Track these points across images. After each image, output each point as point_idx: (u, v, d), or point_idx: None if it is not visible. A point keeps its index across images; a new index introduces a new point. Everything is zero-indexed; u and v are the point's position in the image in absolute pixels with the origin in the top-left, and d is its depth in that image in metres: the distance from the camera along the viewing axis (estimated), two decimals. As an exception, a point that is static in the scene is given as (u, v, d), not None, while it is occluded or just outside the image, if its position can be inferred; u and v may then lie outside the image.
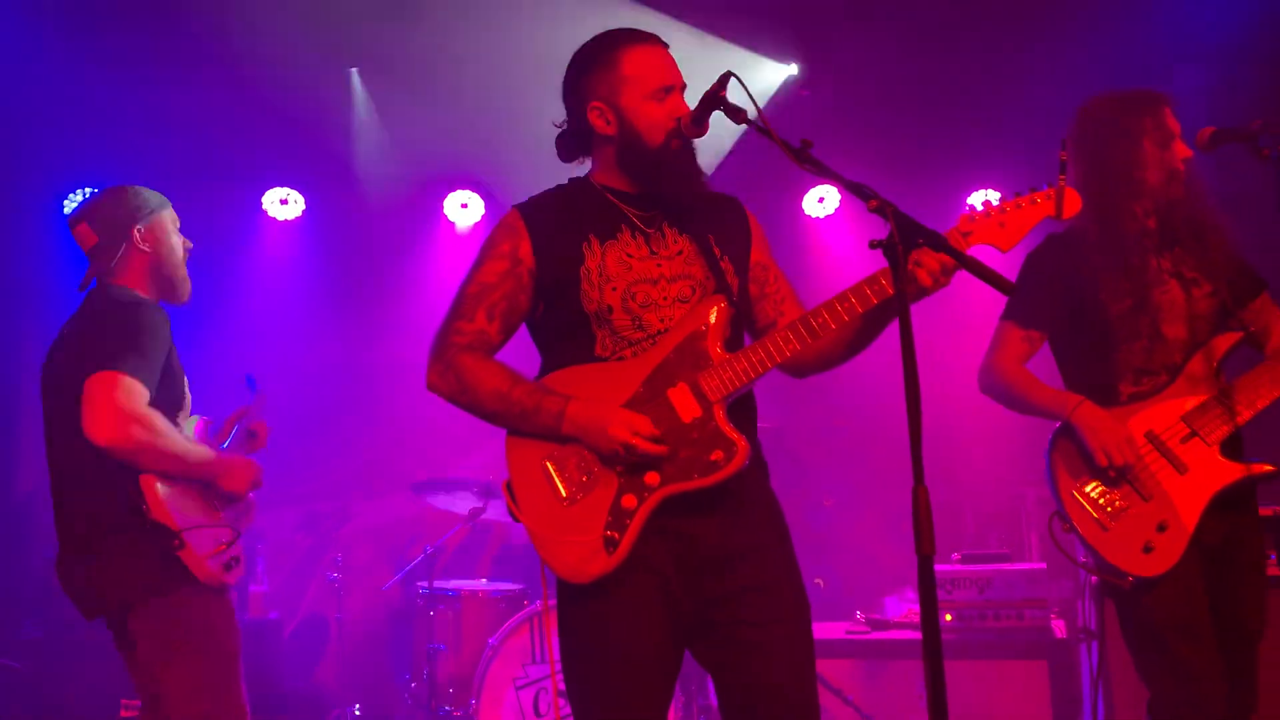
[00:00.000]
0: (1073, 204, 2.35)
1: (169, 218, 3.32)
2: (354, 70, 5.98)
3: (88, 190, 6.03)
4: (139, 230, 3.24)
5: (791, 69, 6.08)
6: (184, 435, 3.10)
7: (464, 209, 6.47)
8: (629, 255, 2.43)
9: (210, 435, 3.39)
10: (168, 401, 3.08)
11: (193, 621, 3.03)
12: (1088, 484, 2.87)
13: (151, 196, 3.32)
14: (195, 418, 3.36)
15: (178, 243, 3.33)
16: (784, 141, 2.12)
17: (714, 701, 4.64)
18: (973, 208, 2.38)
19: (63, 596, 4.04)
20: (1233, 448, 2.86)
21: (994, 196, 6.60)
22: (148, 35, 5.46)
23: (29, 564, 5.32)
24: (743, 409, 2.44)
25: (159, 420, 2.96)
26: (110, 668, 4.45)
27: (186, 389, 3.26)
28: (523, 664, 4.54)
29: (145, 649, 3.03)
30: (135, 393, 2.91)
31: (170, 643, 3.01)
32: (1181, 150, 2.93)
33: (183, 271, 3.34)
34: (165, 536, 2.94)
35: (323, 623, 5.88)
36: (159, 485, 2.95)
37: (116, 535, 2.98)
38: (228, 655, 3.08)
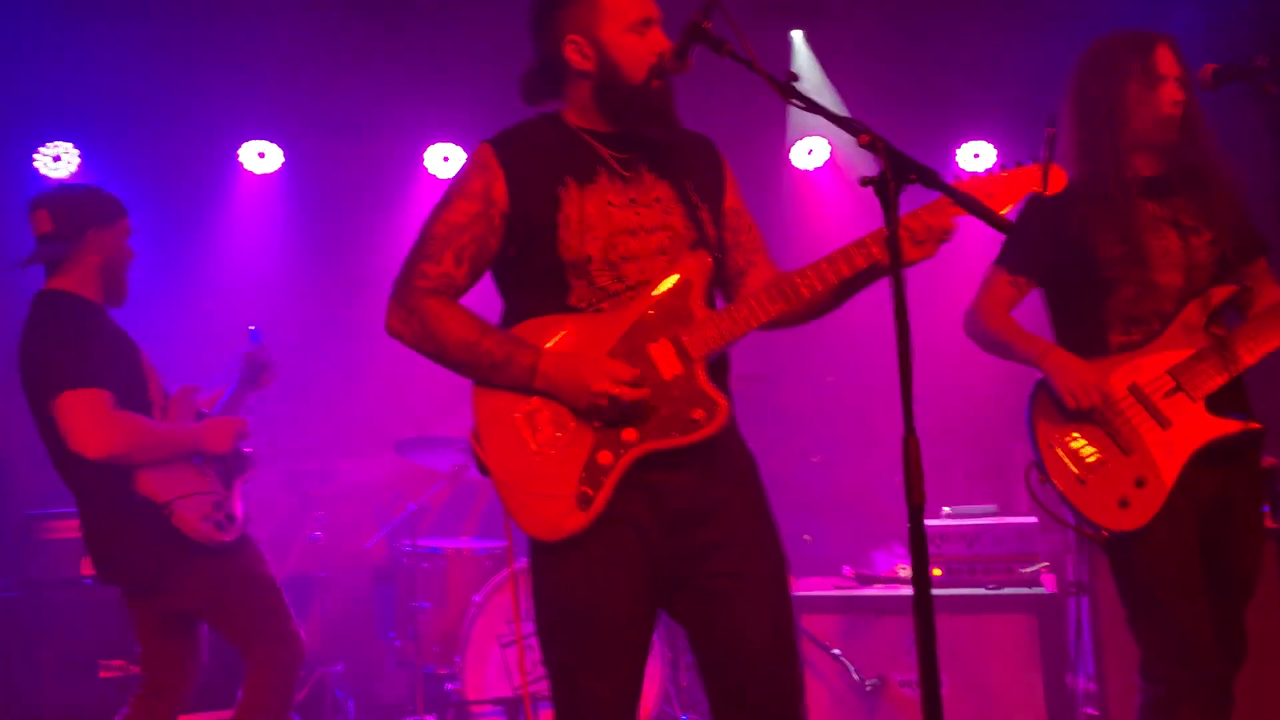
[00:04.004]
0: (1058, 181, 2.33)
1: (123, 227, 3.42)
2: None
3: (61, 145, 5.89)
4: (93, 232, 3.32)
5: None
6: (157, 421, 3.31)
7: (445, 162, 6.35)
8: (609, 203, 2.33)
9: (203, 394, 3.61)
10: (127, 393, 3.23)
11: (226, 575, 3.27)
12: (1067, 436, 2.81)
13: (112, 203, 3.41)
14: (196, 387, 3.57)
15: (128, 251, 3.43)
16: (770, 75, 2.03)
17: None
18: (962, 174, 2.34)
19: (38, 555, 4.16)
20: (1224, 402, 2.79)
21: (985, 149, 6.58)
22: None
23: (5, 523, 5.24)
24: (720, 367, 2.37)
25: (133, 419, 3.17)
26: (87, 629, 4.41)
27: (146, 370, 3.39)
28: (507, 621, 4.51)
29: (187, 611, 3.30)
30: (101, 403, 3.10)
31: (216, 600, 3.27)
32: (1171, 93, 2.84)
33: (124, 280, 3.44)
34: (155, 509, 3.16)
35: (306, 582, 5.82)
36: (143, 470, 3.18)
37: (126, 525, 3.19)
38: (269, 587, 3.36)
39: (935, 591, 1.93)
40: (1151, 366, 2.82)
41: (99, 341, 3.23)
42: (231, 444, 3.40)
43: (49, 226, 3.32)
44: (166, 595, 3.27)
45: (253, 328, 3.86)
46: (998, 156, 5.94)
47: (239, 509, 3.40)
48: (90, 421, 3.07)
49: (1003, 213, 2.26)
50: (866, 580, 4.62)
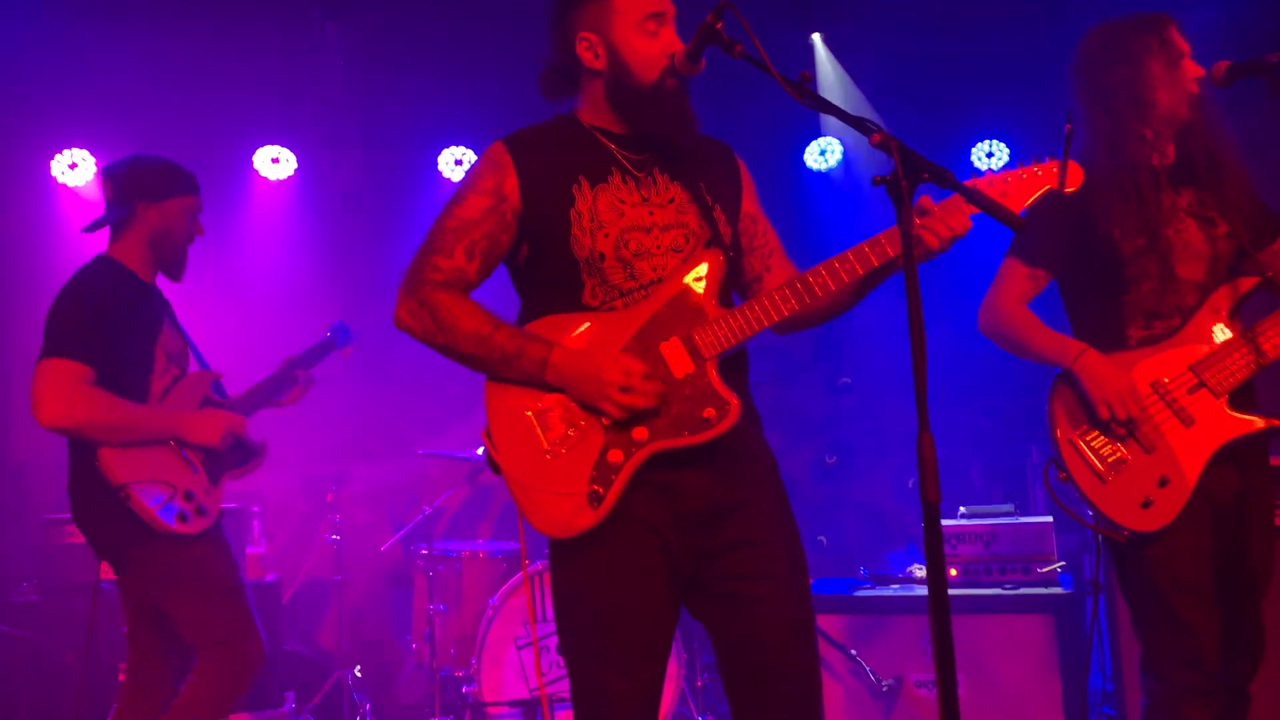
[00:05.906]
0: (1075, 178, 2.31)
1: (185, 205, 3.37)
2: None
3: (77, 152, 5.93)
4: (142, 205, 3.30)
5: None
6: (132, 403, 3.21)
7: (459, 165, 6.38)
8: (621, 200, 2.33)
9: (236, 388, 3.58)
10: (114, 372, 3.18)
11: (179, 566, 3.19)
12: (1087, 433, 2.76)
13: (177, 179, 3.37)
14: (217, 375, 3.51)
15: (185, 229, 3.38)
16: (782, 75, 2.03)
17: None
18: (975, 175, 2.32)
19: (60, 561, 4.20)
20: (1243, 399, 2.75)
21: (999, 149, 6.56)
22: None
23: (25, 528, 5.28)
24: (734, 365, 2.37)
25: (100, 397, 3.11)
26: (109, 632, 4.43)
27: (159, 354, 3.33)
28: (524, 623, 4.52)
29: (139, 595, 3.26)
30: (70, 375, 3.07)
31: (164, 588, 3.21)
32: (1192, 69, 2.78)
33: (181, 255, 3.41)
34: (110, 490, 3.12)
35: (323, 585, 5.85)
36: (106, 447, 3.14)
37: (91, 500, 3.19)
38: (227, 589, 3.26)
39: (952, 591, 1.92)
40: (1174, 362, 2.76)
41: (108, 315, 3.17)
42: (218, 438, 3.28)
43: (109, 194, 3.32)
44: (125, 578, 3.24)
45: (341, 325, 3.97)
46: (1011, 155, 5.94)
47: (214, 504, 3.30)
48: (53, 392, 3.06)
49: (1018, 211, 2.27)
50: (882, 580, 4.62)
